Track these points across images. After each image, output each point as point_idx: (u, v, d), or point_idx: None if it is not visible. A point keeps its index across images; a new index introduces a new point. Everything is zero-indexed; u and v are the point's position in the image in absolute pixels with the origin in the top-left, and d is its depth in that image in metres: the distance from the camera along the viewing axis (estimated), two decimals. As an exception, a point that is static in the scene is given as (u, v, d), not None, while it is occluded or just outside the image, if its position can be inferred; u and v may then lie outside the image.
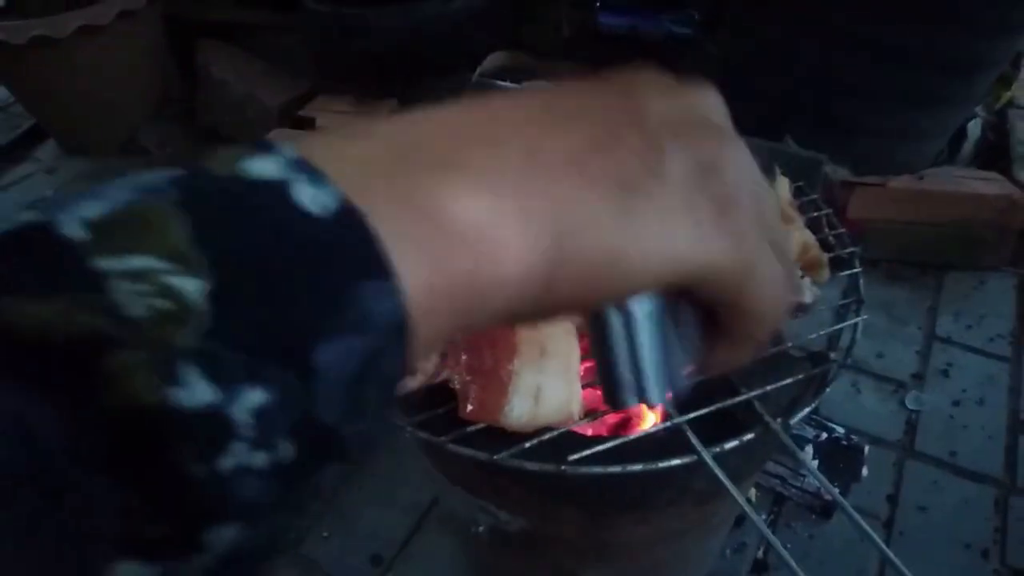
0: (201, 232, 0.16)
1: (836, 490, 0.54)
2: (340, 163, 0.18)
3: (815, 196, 0.77)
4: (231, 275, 0.16)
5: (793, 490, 1.20)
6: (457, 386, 0.56)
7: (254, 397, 0.16)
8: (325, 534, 1.17)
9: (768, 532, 0.51)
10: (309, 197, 0.17)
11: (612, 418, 0.72)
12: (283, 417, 0.16)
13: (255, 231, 0.17)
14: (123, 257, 0.15)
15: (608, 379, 0.27)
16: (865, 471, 1.21)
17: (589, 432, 0.63)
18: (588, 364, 0.64)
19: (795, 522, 1.19)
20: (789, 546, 1.13)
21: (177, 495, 0.16)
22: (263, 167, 0.17)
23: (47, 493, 0.14)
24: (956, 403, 1.38)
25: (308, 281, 0.17)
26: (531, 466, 0.52)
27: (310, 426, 0.17)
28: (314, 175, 0.18)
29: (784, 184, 0.73)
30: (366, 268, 0.18)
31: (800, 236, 0.66)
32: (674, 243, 0.23)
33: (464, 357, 0.57)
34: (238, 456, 0.16)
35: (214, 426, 0.15)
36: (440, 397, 0.56)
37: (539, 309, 0.23)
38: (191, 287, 0.15)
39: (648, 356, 0.26)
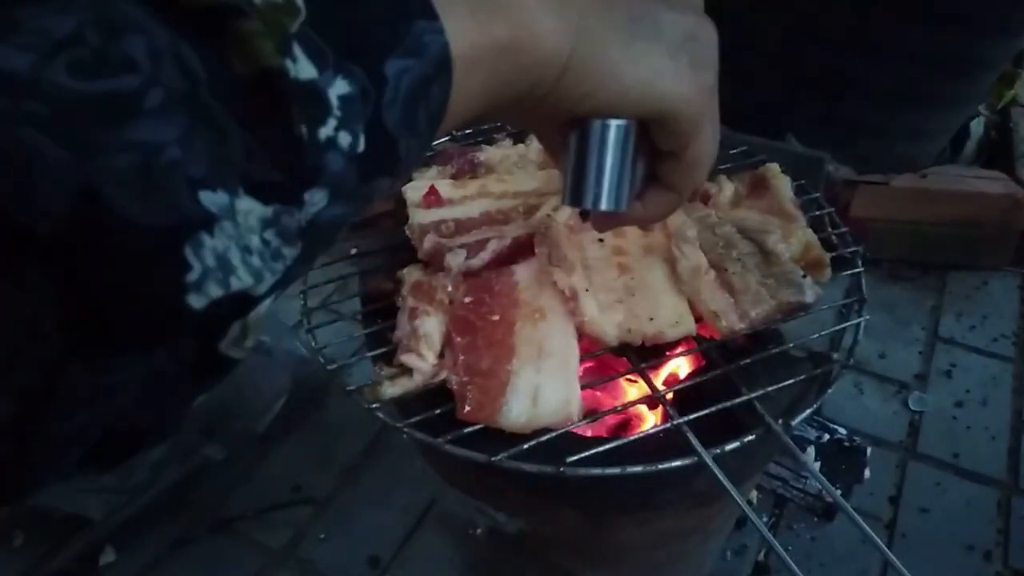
0: None
1: (837, 492, 0.53)
2: None
3: (817, 195, 0.76)
4: None
5: (794, 492, 1.19)
6: (455, 387, 0.55)
7: (342, 86, 0.20)
8: (322, 535, 1.17)
9: (769, 534, 0.50)
10: None
11: (612, 419, 0.71)
12: (361, 109, 0.21)
13: None
14: None
15: (575, 179, 0.33)
16: (867, 473, 1.20)
17: (588, 433, 0.62)
18: (587, 365, 0.63)
19: (796, 524, 1.18)
20: (790, 548, 1.12)
21: (288, 148, 0.19)
22: None
23: (195, 116, 0.18)
24: (959, 404, 1.37)
25: (377, 7, 0.22)
26: (529, 467, 0.51)
27: (377, 125, 0.21)
28: None
29: (786, 183, 0.72)
30: (420, 9, 0.23)
31: (802, 235, 0.66)
32: (660, 78, 0.30)
33: (462, 357, 0.56)
34: (330, 130, 0.20)
35: (316, 98, 0.19)
36: (437, 398, 0.55)
37: (551, 97, 0.28)
38: None
39: (610, 169, 0.32)
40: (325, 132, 0.20)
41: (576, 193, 0.33)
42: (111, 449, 0.21)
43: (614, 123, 0.31)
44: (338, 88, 0.20)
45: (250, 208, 0.19)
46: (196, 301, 0.18)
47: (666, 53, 0.30)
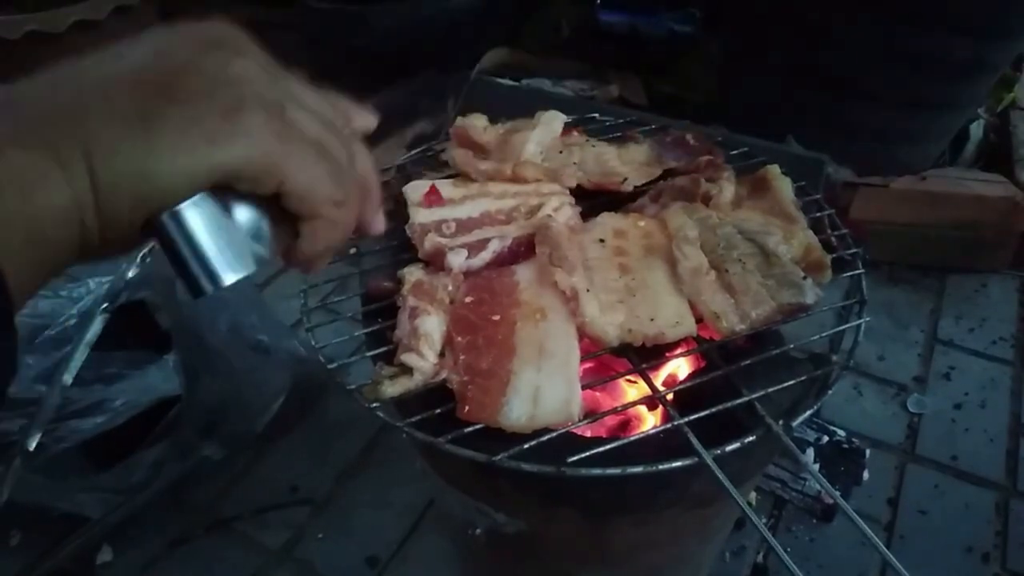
0: None
1: (837, 493, 0.53)
2: None
3: (817, 197, 0.76)
4: None
5: (794, 493, 1.19)
6: (455, 386, 0.55)
7: None
8: (320, 535, 1.17)
9: (769, 535, 0.50)
10: None
11: (612, 420, 0.71)
12: None
13: None
14: None
15: (184, 274, 0.31)
16: (866, 474, 1.20)
17: (588, 433, 0.62)
18: (587, 365, 0.63)
19: (795, 526, 1.18)
20: (789, 550, 1.12)
21: None
22: None
23: None
24: (958, 406, 1.37)
25: None
26: (529, 467, 0.51)
27: None
28: None
29: (787, 184, 0.72)
30: None
31: (803, 236, 0.66)
32: (192, 154, 0.28)
33: (462, 357, 0.56)
34: None
35: None
36: (437, 397, 0.55)
37: (107, 231, 0.28)
38: None
39: (209, 246, 0.31)
40: None
41: (192, 287, 0.32)
42: None
43: (185, 210, 0.30)
44: None
45: None
46: None
47: (189, 121, 0.29)
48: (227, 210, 0.31)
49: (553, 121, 0.80)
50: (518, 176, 0.72)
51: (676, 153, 0.77)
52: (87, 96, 0.28)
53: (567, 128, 0.82)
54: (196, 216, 0.30)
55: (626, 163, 0.77)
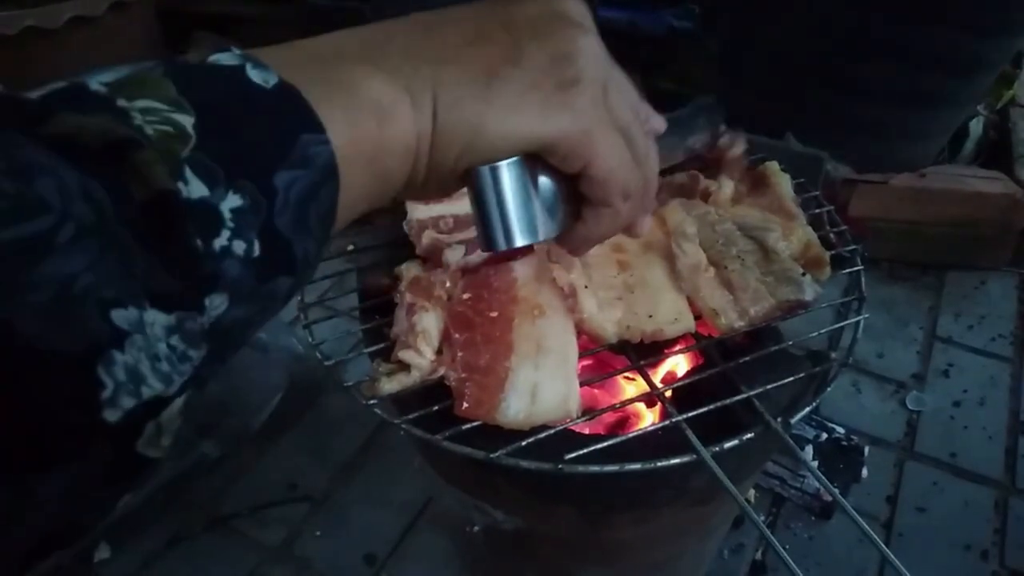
0: (186, 88, 0.23)
1: (836, 490, 0.53)
2: (276, 58, 0.26)
3: (816, 193, 0.76)
4: (209, 114, 0.23)
5: (792, 491, 1.19)
6: (453, 383, 0.55)
7: (234, 200, 0.22)
8: (318, 533, 1.17)
9: (768, 533, 0.50)
10: (258, 76, 0.25)
11: (610, 417, 0.71)
12: (253, 219, 0.23)
13: (223, 90, 0.24)
14: (134, 100, 0.22)
15: (482, 225, 0.34)
16: (865, 472, 1.20)
17: (586, 430, 0.62)
18: (586, 362, 0.63)
19: (794, 523, 1.18)
20: (788, 547, 1.12)
21: (186, 260, 0.21)
22: (223, 57, 0.25)
23: (104, 242, 0.20)
24: (956, 404, 1.37)
25: (263, 126, 0.24)
26: (527, 464, 0.51)
27: (271, 231, 0.24)
28: (259, 63, 0.25)
29: (787, 180, 0.72)
30: (305, 123, 0.25)
31: (802, 233, 0.65)
32: (524, 117, 0.31)
33: (460, 354, 0.56)
34: (224, 240, 0.22)
35: (208, 214, 0.22)
36: (435, 394, 0.55)
37: (433, 170, 0.31)
38: (184, 119, 0.22)
39: (513, 206, 0.33)
40: (220, 242, 0.22)
41: (488, 239, 0.34)
42: (45, 547, 0.22)
43: (498, 166, 0.32)
44: (230, 202, 0.22)
45: (155, 319, 0.21)
46: (111, 415, 0.20)
47: (528, 87, 0.31)
48: (533, 178, 0.34)
49: None
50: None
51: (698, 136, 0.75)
52: (445, 49, 0.30)
53: None
54: (510, 176, 0.32)
55: None
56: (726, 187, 0.70)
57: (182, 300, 0.21)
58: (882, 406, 1.37)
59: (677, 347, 0.63)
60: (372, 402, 0.54)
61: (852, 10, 1.44)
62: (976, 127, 1.75)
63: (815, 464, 1.16)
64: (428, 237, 0.64)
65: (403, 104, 0.28)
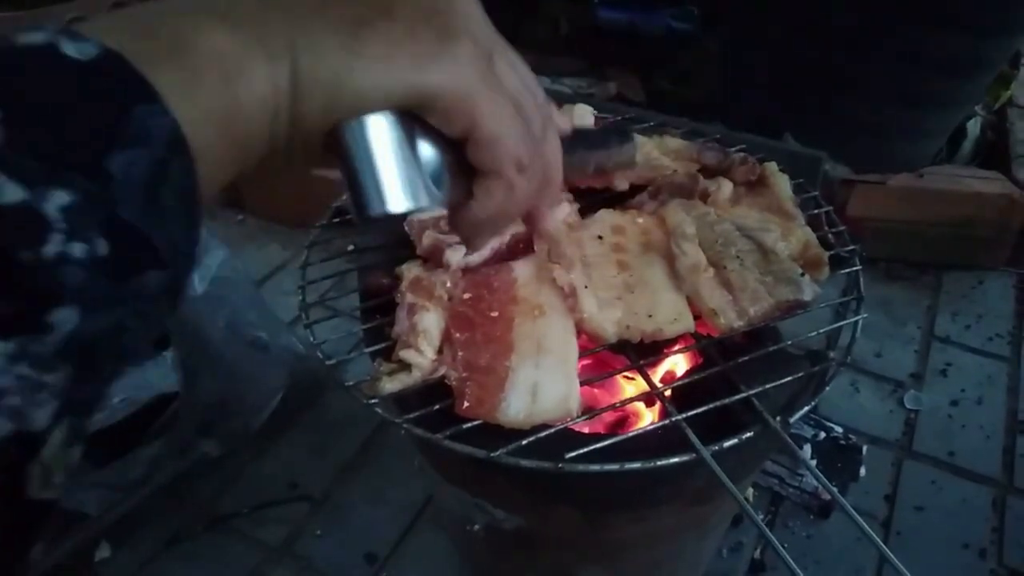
0: None
1: (835, 489, 0.53)
2: (100, 26, 0.23)
3: (815, 193, 0.76)
4: (17, 105, 0.20)
5: (791, 490, 1.19)
6: (453, 382, 0.55)
7: (60, 197, 0.19)
8: (319, 532, 1.17)
9: (767, 531, 0.50)
10: (74, 49, 0.21)
11: (610, 416, 0.71)
12: (90, 214, 0.20)
13: (34, 74, 0.21)
14: None
15: (354, 189, 0.30)
16: (863, 471, 1.20)
17: (586, 430, 0.63)
18: (585, 362, 0.63)
19: (792, 522, 1.18)
20: (786, 546, 1.12)
21: (13, 276, 0.19)
22: (33, 36, 0.21)
23: None
24: (954, 403, 1.38)
25: (85, 106, 0.21)
26: (528, 463, 0.51)
27: (117, 224, 0.21)
28: (75, 35, 0.22)
29: (785, 181, 0.72)
30: (137, 94, 0.22)
31: (801, 233, 0.66)
32: (397, 67, 0.28)
33: (461, 353, 0.56)
34: (57, 245, 0.19)
35: (30, 219, 0.19)
36: (436, 394, 0.55)
37: (297, 129, 0.27)
38: None
39: (387, 165, 0.29)
40: (51, 249, 0.19)
41: (362, 203, 0.30)
42: None
43: (366, 118, 0.28)
44: (56, 201, 0.19)
45: None
46: None
47: (402, 36, 0.28)
48: (411, 140, 0.30)
49: (585, 116, 0.80)
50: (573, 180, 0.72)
51: (713, 153, 0.76)
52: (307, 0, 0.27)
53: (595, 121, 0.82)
54: (379, 130, 0.29)
55: (667, 154, 0.76)
56: (725, 188, 0.71)
57: (18, 324, 0.19)
58: (880, 405, 1.37)
59: (677, 347, 0.63)
60: (373, 401, 0.55)
61: (851, 10, 1.45)
62: (974, 127, 1.75)
63: (814, 463, 1.17)
64: (429, 237, 0.65)
65: (254, 57, 0.25)
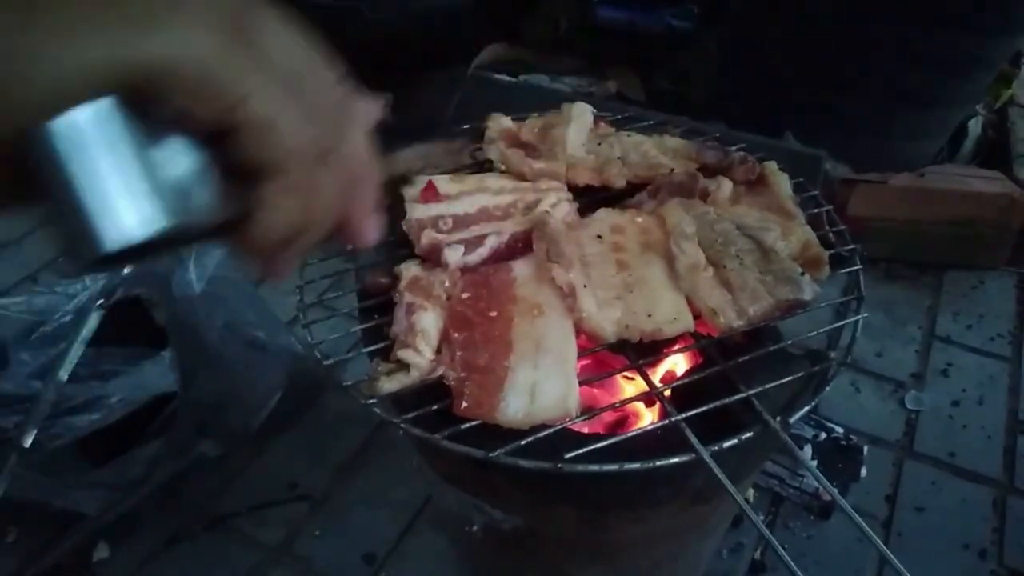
0: None
1: (835, 489, 0.53)
2: None
3: (815, 193, 0.76)
4: None
5: (791, 490, 1.19)
6: (452, 382, 0.55)
7: None
8: (317, 532, 1.17)
9: (767, 532, 0.50)
10: None
11: (609, 416, 0.71)
12: None
13: None
14: None
15: (56, 225, 0.21)
16: (864, 471, 1.20)
17: (586, 430, 0.62)
18: (584, 362, 0.63)
19: (792, 522, 1.18)
20: (786, 547, 1.12)
21: None
22: None
23: None
24: (955, 403, 1.37)
25: None
26: (526, 464, 0.51)
27: None
28: None
29: (785, 180, 0.72)
30: None
31: (801, 233, 0.65)
32: (99, 36, 0.20)
33: (459, 353, 0.56)
34: None
35: None
36: (434, 394, 0.55)
37: None
38: None
39: (95, 184, 0.20)
40: None
41: (69, 246, 0.21)
42: None
43: (63, 117, 0.20)
44: None
45: None
46: None
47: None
48: (147, 137, 0.22)
49: (584, 114, 0.80)
50: (573, 178, 0.72)
51: (713, 152, 0.75)
52: None
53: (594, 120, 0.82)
54: (85, 132, 0.20)
55: (665, 152, 0.76)
56: (725, 187, 0.70)
57: None
58: (881, 405, 1.37)
59: (676, 346, 0.63)
60: (371, 401, 0.54)
61: (851, 9, 1.45)
62: (975, 127, 1.75)
63: (814, 463, 1.16)
64: (427, 237, 0.64)
65: None
